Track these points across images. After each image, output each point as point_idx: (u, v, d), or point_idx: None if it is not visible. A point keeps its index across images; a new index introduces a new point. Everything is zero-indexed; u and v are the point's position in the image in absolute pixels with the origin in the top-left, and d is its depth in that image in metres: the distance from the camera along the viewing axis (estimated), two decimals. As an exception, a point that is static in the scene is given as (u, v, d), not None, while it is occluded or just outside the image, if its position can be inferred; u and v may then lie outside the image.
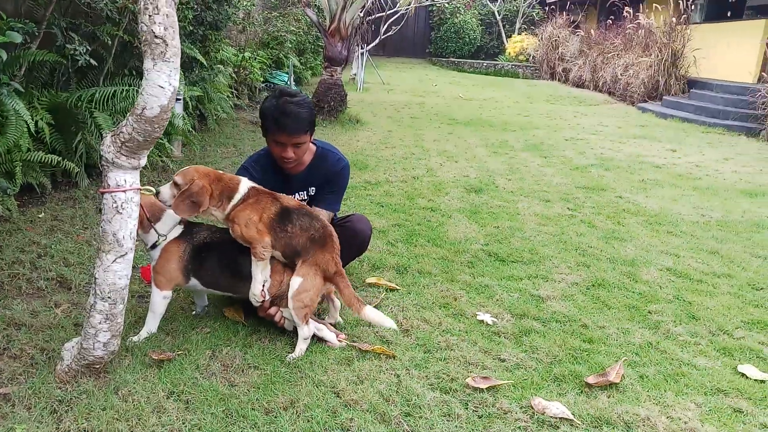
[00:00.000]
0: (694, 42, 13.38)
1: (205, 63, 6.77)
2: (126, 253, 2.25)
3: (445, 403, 2.25)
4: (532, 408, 2.23)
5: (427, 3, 18.77)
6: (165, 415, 2.09)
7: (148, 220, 2.56)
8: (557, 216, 4.83)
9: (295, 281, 2.50)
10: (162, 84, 2.13)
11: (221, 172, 2.63)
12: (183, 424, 2.05)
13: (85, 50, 4.33)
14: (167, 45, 2.12)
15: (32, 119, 3.96)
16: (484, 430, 2.11)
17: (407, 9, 15.15)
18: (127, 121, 2.18)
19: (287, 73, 12.47)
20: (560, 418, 2.18)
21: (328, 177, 3.04)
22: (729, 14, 15.36)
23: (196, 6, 6.31)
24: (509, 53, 22.46)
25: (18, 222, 3.89)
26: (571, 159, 7.28)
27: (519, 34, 23.30)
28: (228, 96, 8.46)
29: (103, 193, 2.23)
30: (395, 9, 14.85)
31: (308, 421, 2.09)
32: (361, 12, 9.89)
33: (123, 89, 4.96)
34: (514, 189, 5.60)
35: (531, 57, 21.52)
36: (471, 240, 4.09)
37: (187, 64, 6.53)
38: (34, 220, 3.99)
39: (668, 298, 3.34)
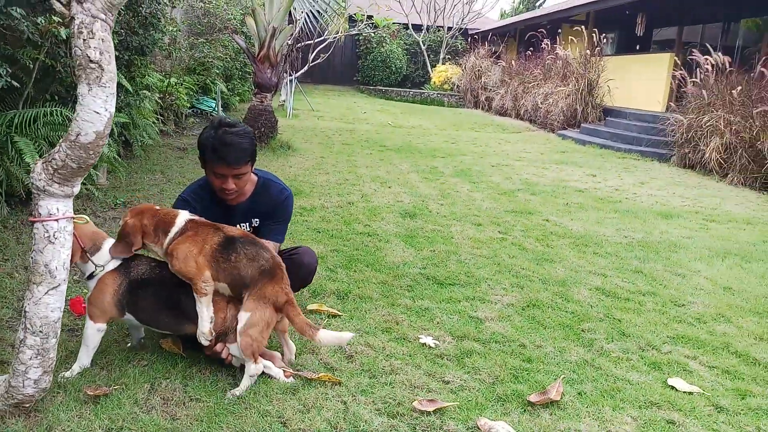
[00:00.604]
0: (607, 73, 14.19)
1: (130, 89, 6.59)
2: (59, 285, 2.14)
3: (393, 427, 2.25)
4: (479, 429, 2.27)
5: (355, 32, 19.03)
6: (103, 455, 1.98)
7: (83, 251, 2.45)
8: (489, 239, 4.96)
9: (243, 316, 2.41)
10: (98, 110, 2.06)
11: (158, 207, 2.56)
12: (123, 463, 1.95)
13: (5, 72, 4.13)
14: (103, 70, 2.06)
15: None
16: (433, 452, 2.12)
17: (335, 37, 15.32)
18: (59, 148, 2.09)
19: (215, 99, 12.30)
20: (506, 436, 2.22)
21: (272, 207, 2.98)
22: (638, 47, 16.43)
23: (121, 31, 6.16)
24: (434, 82, 23.05)
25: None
26: (499, 184, 7.51)
27: (443, 63, 23.98)
28: (153, 122, 8.25)
29: (33, 222, 2.12)
30: (324, 37, 14.98)
31: (256, 453, 2.04)
32: (289, 40, 9.92)
33: (45, 113, 4.76)
34: (447, 213, 5.72)
35: (455, 86, 22.16)
36: (409, 264, 4.14)
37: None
38: (-53, 252, 3.74)
39: (599, 317, 3.48)
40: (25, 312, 2.11)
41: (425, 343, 2.96)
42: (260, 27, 8.50)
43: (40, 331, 2.12)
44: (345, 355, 2.78)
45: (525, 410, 2.43)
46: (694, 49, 10.74)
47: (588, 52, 14.26)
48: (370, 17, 21.72)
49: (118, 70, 5.96)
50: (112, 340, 2.79)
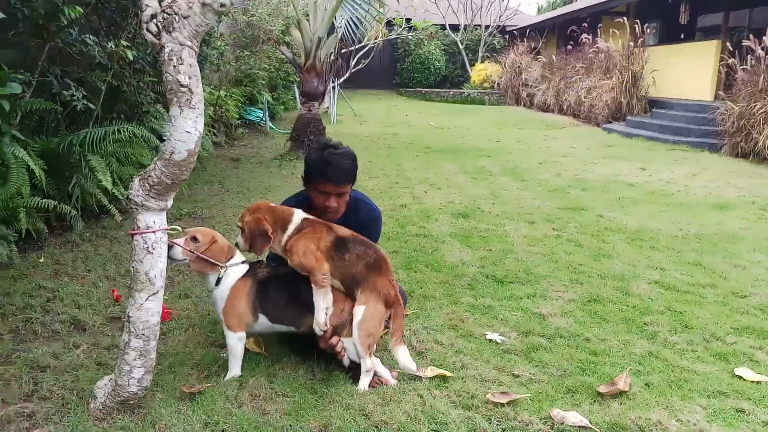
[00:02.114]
0: (651, 63, 13.98)
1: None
2: (158, 291, 2.34)
3: (469, 419, 2.37)
4: (552, 419, 2.37)
5: (393, 36, 19.19)
6: (205, 446, 2.16)
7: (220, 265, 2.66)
8: (544, 237, 5.02)
9: (359, 309, 2.55)
10: (189, 129, 2.25)
11: (273, 204, 2.74)
12: (224, 453, 2.13)
13: (81, 95, 4.41)
14: (192, 93, 2.25)
15: (33, 166, 4.02)
16: (510, 441, 2.24)
17: (375, 42, 15.51)
18: (155, 165, 2.29)
19: (261, 109, 12.64)
20: (579, 426, 2.32)
21: (363, 225, 3.04)
22: (682, 36, 16.10)
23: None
24: (474, 81, 23.02)
25: (20, 268, 3.91)
26: (548, 181, 7.54)
27: (482, 62, 23.92)
28: (206, 134, 8.56)
29: (133, 235, 2.32)
30: (363, 43, 15.19)
31: (344, 443, 2.19)
32: (334, 48, 10.13)
33: (113, 131, 5.03)
34: (499, 213, 5.79)
35: (495, 84, 22.10)
36: (467, 263, 4.24)
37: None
38: (36, 265, 4.02)
39: (660, 310, 3.53)
40: (128, 317, 2.32)
41: (492, 339, 3.06)
42: (306, 38, 8.72)
43: (143, 334, 2.32)
44: (416, 351, 2.92)
45: (595, 401, 2.52)
46: (745, 36, 10.51)
47: (631, 43, 14.07)
48: (408, 20, 21.86)
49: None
50: (197, 343, 2.98)
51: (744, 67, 10.12)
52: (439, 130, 13.36)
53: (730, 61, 10.63)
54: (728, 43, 12.98)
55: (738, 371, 2.79)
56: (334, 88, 14.84)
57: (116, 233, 4.82)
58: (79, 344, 2.95)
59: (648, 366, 2.84)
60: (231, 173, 7.72)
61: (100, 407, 2.36)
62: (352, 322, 2.57)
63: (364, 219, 3.05)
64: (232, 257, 2.68)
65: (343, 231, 2.70)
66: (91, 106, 4.55)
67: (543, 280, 3.97)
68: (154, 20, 2.25)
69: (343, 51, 14.51)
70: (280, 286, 2.67)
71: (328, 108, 15.09)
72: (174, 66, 2.22)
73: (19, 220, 4.01)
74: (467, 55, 24.76)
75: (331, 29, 9.44)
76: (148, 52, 5.40)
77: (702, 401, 2.54)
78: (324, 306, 2.57)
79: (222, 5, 2.24)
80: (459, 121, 15.30)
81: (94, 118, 5.27)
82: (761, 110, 9.10)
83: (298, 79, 16.35)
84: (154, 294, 2.33)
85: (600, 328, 3.26)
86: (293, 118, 14.94)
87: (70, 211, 4.56)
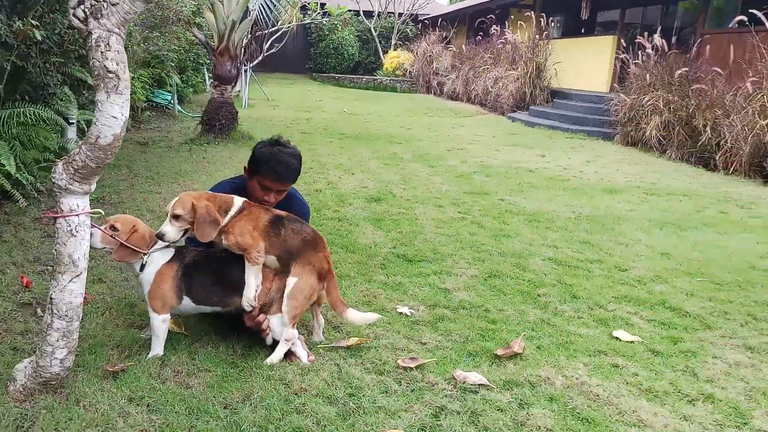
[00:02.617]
0: (554, 56, 14.75)
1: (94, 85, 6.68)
2: (81, 273, 2.40)
3: (381, 382, 2.60)
4: (455, 379, 2.64)
5: (308, 21, 19.11)
6: (131, 418, 2.27)
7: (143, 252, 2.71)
8: (450, 219, 5.34)
9: (291, 281, 2.69)
10: (115, 114, 2.32)
11: (209, 192, 2.84)
12: (150, 424, 2.25)
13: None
14: (119, 79, 2.32)
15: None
16: (417, 400, 2.48)
17: (289, 27, 15.42)
18: (80, 150, 2.34)
19: (170, 92, 12.34)
20: (479, 384, 2.60)
21: None
22: (583, 30, 17.06)
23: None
24: (386, 68, 23.33)
25: None
26: (456, 167, 7.91)
27: (395, 49, 24.26)
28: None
29: (56, 218, 2.37)
30: (277, 27, 15.07)
31: (266, 409, 2.36)
32: (248, 31, 10.07)
33: (18, 113, 4.87)
34: (410, 197, 6.08)
35: (407, 72, 22.50)
36: (380, 245, 4.48)
37: (76, 87, 6.44)
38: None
39: (552, 283, 3.90)
40: (51, 299, 2.37)
41: (402, 312, 3.31)
42: (219, 20, 8.64)
43: (66, 315, 2.37)
44: (332, 326, 3.12)
45: (493, 362, 2.82)
46: (639, 32, 11.32)
47: (537, 36, 14.77)
48: (322, 5, 21.80)
49: (81, 68, 6.11)
50: (116, 325, 3.04)
51: (636, 62, 10.92)
52: (353, 116, 13.55)
53: (623, 56, 11.43)
54: (623, 39, 13.93)
55: (615, 333, 3.18)
56: (246, 71, 14.66)
57: (20, 219, 4.70)
58: (-9, 329, 2.94)
59: (540, 331, 3.18)
60: (139, 158, 7.57)
61: (21, 389, 2.39)
62: (279, 299, 2.71)
63: (296, 213, 3.17)
64: (155, 243, 2.76)
65: (279, 211, 2.85)
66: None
67: (449, 258, 4.27)
68: (82, 6, 2.28)
69: (257, 34, 14.34)
70: (207, 268, 2.77)
71: (239, 92, 14.90)
72: (101, 52, 2.28)
73: None
74: (380, 42, 25.02)
75: (245, 12, 9.38)
76: (56, 32, 5.23)
77: (584, 359, 2.89)
78: (255, 283, 2.70)
79: (144, -5, 2.32)
80: (372, 108, 15.54)
81: (-2, 99, 5.07)
82: (649, 102, 9.89)
83: (208, 62, 16.02)
84: (77, 276, 2.39)
85: (498, 300, 3.58)
86: (203, 101, 14.67)
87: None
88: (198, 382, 2.53)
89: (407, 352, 2.87)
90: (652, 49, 10.51)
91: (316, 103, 16.04)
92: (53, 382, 2.42)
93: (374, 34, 24.90)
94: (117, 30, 2.33)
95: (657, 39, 10.43)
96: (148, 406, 2.36)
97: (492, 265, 4.16)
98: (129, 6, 2.33)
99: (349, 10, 24.33)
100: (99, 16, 2.29)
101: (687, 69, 9.66)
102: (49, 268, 3.77)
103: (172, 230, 2.69)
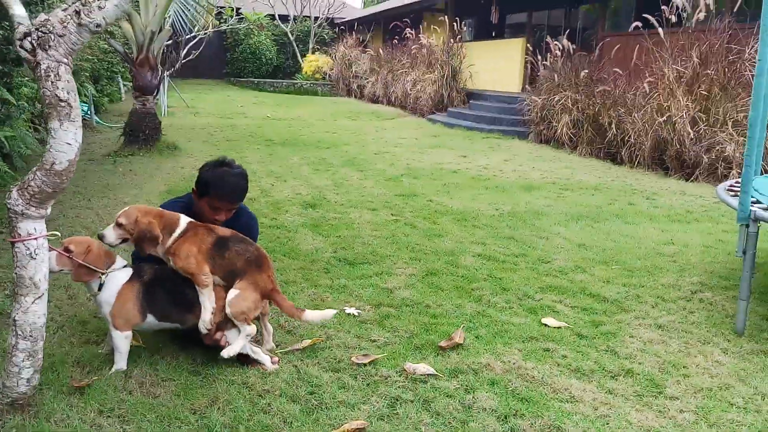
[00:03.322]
0: (468, 59, 15.35)
1: (14, 101, 6.50)
2: (42, 294, 2.46)
3: (338, 379, 2.80)
4: (405, 371, 2.87)
5: (226, 27, 18.91)
6: (104, 430, 2.37)
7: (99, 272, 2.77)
8: (385, 221, 5.59)
9: (232, 293, 2.79)
10: (69, 141, 2.40)
11: (159, 209, 2.91)
12: (124, 433, 2.36)
13: None
14: (71, 107, 2.40)
15: None
16: (373, 393, 2.70)
17: (206, 33, 15.25)
18: (34, 176, 2.41)
19: (86, 102, 11.97)
20: (427, 374, 2.85)
21: (243, 230, 3.20)
22: (494, 33, 17.79)
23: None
24: (306, 72, 23.43)
25: None
26: (384, 171, 8.19)
27: (312, 53, 24.38)
28: (28, 132, 8.06)
29: (13, 243, 2.42)
30: (194, 33, 14.88)
31: (234, 411, 2.51)
32: (168, 41, 9.95)
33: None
34: (344, 202, 6.28)
35: (327, 75, 22.68)
36: (321, 250, 4.67)
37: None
38: None
39: (484, 277, 4.22)
40: (14, 320, 2.42)
41: (350, 313, 3.52)
42: (137, 31, 8.52)
43: (30, 336, 2.43)
44: (285, 330, 3.29)
45: (438, 354, 3.07)
46: (547, 36, 12.00)
47: (451, 39, 15.31)
48: (238, 11, 21.59)
49: (-2, 85, 5.95)
50: (71, 343, 3.09)
51: (544, 63, 11.58)
52: (277, 122, 13.60)
53: (531, 59, 12.09)
54: (531, 41, 14.69)
55: (544, 320, 3.52)
56: (163, 78, 14.39)
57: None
58: (-59, 356, 2.92)
59: (477, 322, 3.47)
60: (63, 173, 7.38)
61: (-13, 410, 2.44)
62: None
63: (245, 224, 3.28)
64: (113, 263, 2.84)
65: (224, 231, 2.93)
66: None
67: (387, 260, 4.51)
68: (29, 38, 2.36)
69: (173, 41, 14.11)
70: (166, 287, 2.85)
71: (157, 99, 14.60)
72: (52, 82, 2.35)
73: None
74: (298, 46, 25.05)
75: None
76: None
77: (519, 345, 3.20)
78: (210, 306, 2.78)
79: (98, 26, 2.42)
80: (295, 112, 15.62)
81: None
82: (559, 102, 10.54)
83: (123, 70, 15.60)
84: (39, 297, 2.45)
85: (437, 296, 3.85)
86: (120, 110, 14.32)
87: None
88: (164, 392, 2.65)
89: (359, 350, 3.09)
90: (559, 51, 11.19)
91: (238, 108, 15.95)
92: (20, 402, 2.47)
93: (291, 38, 24.91)
94: (65, 60, 2.41)
95: (564, 41, 11.11)
96: (119, 417, 2.46)
97: (428, 264, 4.44)
98: (76, 37, 2.41)
99: (265, 15, 24.22)
100: (47, 47, 2.36)
101: (591, 70, 10.38)
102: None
103: (111, 235, 2.81)
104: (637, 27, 9.12)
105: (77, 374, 2.77)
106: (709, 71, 8.18)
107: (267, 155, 9.07)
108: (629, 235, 5.40)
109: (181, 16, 11.00)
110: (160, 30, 8.87)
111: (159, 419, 2.45)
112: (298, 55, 24.83)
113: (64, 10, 2.43)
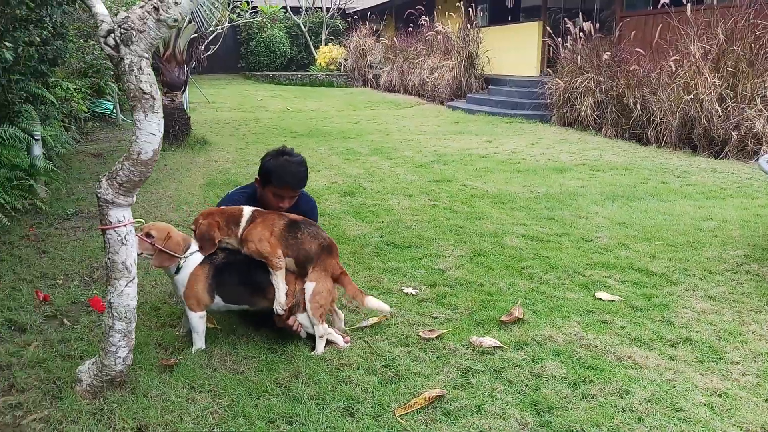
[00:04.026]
0: (485, 44, 15.34)
1: (55, 101, 6.66)
2: (134, 278, 2.60)
3: (410, 353, 2.92)
4: (472, 344, 2.99)
5: (242, 21, 19.02)
6: (198, 403, 2.51)
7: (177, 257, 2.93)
8: (424, 207, 5.70)
9: (309, 286, 2.91)
10: (153, 132, 2.53)
11: (223, 207, 3.05)
12: (218, 406, 2.49)
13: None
14: (155, 99, 2.53)
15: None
16: (444, 365, 2.83)
17: (223, 28, 15.38)
18: (122, 165, 2.54)
19: (110, 101, 12.15)
20: (494, 347, 2.96)
21: (304, 213, 3.37)
22: (509, 18, 17.75)
23: (40, 43, 6.23)
24: (320, 63, 23.48)
25: None
26: (413, 158, 8.28)
27: (326, 44, 24.41)
28: (63, 130, 8.24)
29: (104, 230, 2.56)
30: (212, 28, 15.00)
31: (317, 384, 2.64)
32: (196, 34, 10.08)
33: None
34: (380, 189, 6.40)
35: (342, 66, 22.72)
36: (367, 235, 4.79)
37: (33, 103, 6.40)
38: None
39: (531, 256, 4.32)
40: (110, 303, 2.56)
41: (408, 293, 3.64)
42: (166, 28, 8.63)
43: (125, 317, 2.58)
44: (349, 310, 3.41)
45: (500, 328, 3.19)
46: (567, 19, 11.99)
47: (468, 25, 15.31)
48: (253, 5, 21.68)
49: (36, 82, 6.11)
50: (149, 327, 3.24)
51: (565, 45, 11.57)
52: (298, 114, 13.71)
53: (551, 41, 12.08)
54: (547, 24, 14.66)
55: (597, 295, 3.62)
56: (189, 74, 14.55)
57: (8, 237, 4.74)
58: (29, 342, 3.07)
59: (532, 299, 3.58)
60: (100, 169, 7.56)
61: (87, 388, 2.59)
62: (303, 300, 2.96)
63: (305, 207, 3.43)
64: (188, 247, 2.97)
65: (294, 216, 3.06)
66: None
67: (433, 242, 4.62)
68: (112, 35, 2.48)
69: (196, 36, 14.26)
70: (235, 270, 2.99)
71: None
72: (135, 75, 2.48)
73: None
74: (311, 37, 25.10)
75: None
76: (20, 51, 5.24)
77: (577, 318, 3.31)
78: (284, 287, 2.91)
79: (175, 20, 2.53)
80: (313, 104, 15.72)
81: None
82: (582, 84, 10.56)
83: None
84: (131, 281, 2.59)
85: (489, 275, 3.96)
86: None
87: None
88: (247, 368, 2.78)
89: (423, 326, 3.21)
90: (583, 34, 11.18)
91: (257, 102, 16.08)
92: (117, 379, 2.62)
93: (304, 29, 24.96)
94: (146, 54, 2.53)
95: (584, 24, 11.11)
96: (209, 391, 2.60)
97: (474, 245, 4.55)
98: (155, 32, 2.54)
99: (281, 8, 24.31)
100: (129, 42, 2.49)
101: (613, 51, 10.38)
102: (59, 281, 3.90)
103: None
104: (664, 5, 9.11)
105: (162, 355, 2.91)
106: (735, 47, 8.18)
107: (295, 146, 9.09)
108: (666, 212, 5.47)
109: (201, 12, 11.14)
110: (185, 25, 9.00)
111: (248, 392, 2.59)
112: (312, 46, 24.89)
113: (142, 6, 2.56)
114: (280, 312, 2.94)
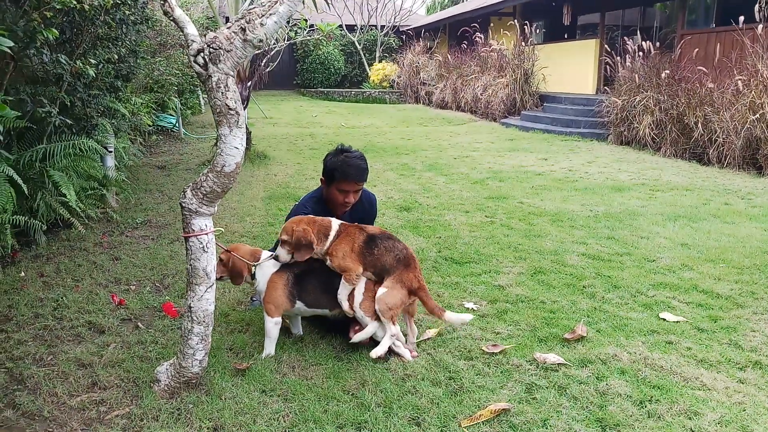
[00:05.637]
0: (540, 61, 15.28)
1: (128, 114, 7.00)
2: (213, 284, 2.74)
3: (473, 366, 2.96)
4: (536, 360, 3.01)
5: (300, 39, 19.47)
6: (271, 407, 2.61)
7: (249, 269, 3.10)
8: (481, 223, 5.72)
9: (380, 290, 3.00)
10: (237, 146, 2.67)
11: (312, 216, 3.16)
12: (289, 410, 2.59)
13: (57, 111, 4.57)
14: (239, 115, 2.67)
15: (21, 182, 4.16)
16: (508, 379, 2.85)
17: (282, 45, 15.79)
18: (207, 177, 2.68)
19: (173, 115, 12.63)
20: (558, 363, 2.97)
21: (365, 210, 3.59)
22: (566, 35, 17.64)
23: (116, 60, 6.57)
24: (373, 80, 23.78)
25: (5, 282, 4.07)
26: (468, 174, 8.32)
27: (379, 61, 24.73)
28: (131, 143, 8.62)
29: (187, 238, 2.70)
30: (271, 46, 15.43)
31: (384, 393, 2.71)
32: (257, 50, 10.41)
33: (72, 144, 5.15)
34: (436, 204, 6.46)
35: (394, 83, 22.96)
36: (426, 250, 4.85)
37: (108, 117, 6.74)
38: (19, 279, 4.17)
39: (592, 275, 4.29)
40: (189, 307, 2.70)
41: (469, 308, 3.68)
42: (230, 45, 8.95)
43: (204, 321, 2.71)
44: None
45: (564, 345, 3.19)
46: (626, 37, 11.86)
47: (522, 43, 15.29)
48: (311, 25, 22.18)
49: (110, 96, 6.43)
50: (220, 332, 3.37)
51: (623, 63, 11.44)
52: (352, 130, 13.93)
53: (608, 59, 11.95)
54: (605, 42, 14.51)
55: (662, 315, 3.57)
56: (251, 90, 14.99)
57: (83, 244, 4.99)
58: (108, 343, 3.25)
59: (595, 317, 3.56)
60: (164, 181, 7.87)
61: (165, 388, 2.72)
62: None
63: (367, 202, 3.64)
64: (257, 260, 3.11)
65: (372, 229, 3.14)
66: (68, 121, 4.71)
67: (492, 259, 4.65)
68: (201, 54, 2.64)
69: (258, 53, 14.70)
70: (316, 276, 3.11)
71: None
72: (222, 92, 2.63)
73: (4, 236, 4.15)
74: (364, 55, 25.48)
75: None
76: (99, 68, 5.55)
77: (641, 338, 3.28)
78: (345, 293, 3.03)
79: (260, 41, 2.68)
80: (367, 121, 15.94)
81: (48, 133, 5.36)
82: (640, 102, 10.41)
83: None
84: (210, 286, 2.72)
85: (550, 293, 3.96)
86: (201, 121, 15.02)
87: (39, 226, 4.69)
88: (315, 375, 2.88)
89: (485, 341, 3.24)
90: (641, 52, 11.04)
91: (312, 118, 16.40)
92: (193, 381, 2.75)
93: (358, 47, 25.37)
94: (232, 72, 2.68)
95: (643, 43, 10.97)
96: (280, 396, 2.70)
97: (533, 263, 4.55)
98: (241, 52, 2.68)
99: (338, 26, 24.78)
100: (217, 61, 2.64)
101: (672, 69, 10.20)
102: (132, 287, 4.10)
103: (282, 252, 3.06)
104: (732, 23, 8.92)
105: (233, 359, 3.03)
106: (804, 67, 7.94)
107: (352, 161, 9.32)
108: (731, 234, 5.34)
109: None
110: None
111: (317, 398, 2.67)
112: (365, 63, 25.26)
113: (229, 27, 2.71)
114: (350, 314, 3.06)
